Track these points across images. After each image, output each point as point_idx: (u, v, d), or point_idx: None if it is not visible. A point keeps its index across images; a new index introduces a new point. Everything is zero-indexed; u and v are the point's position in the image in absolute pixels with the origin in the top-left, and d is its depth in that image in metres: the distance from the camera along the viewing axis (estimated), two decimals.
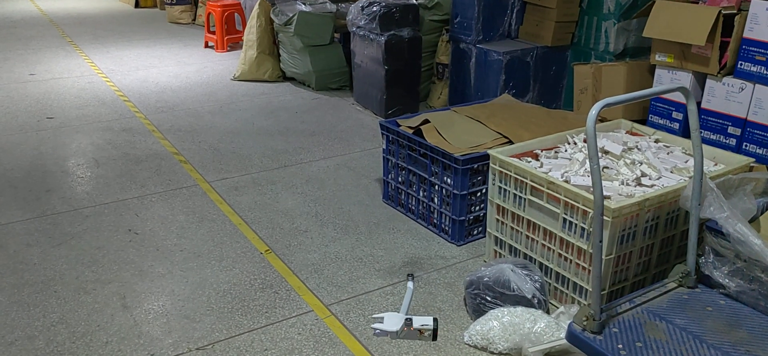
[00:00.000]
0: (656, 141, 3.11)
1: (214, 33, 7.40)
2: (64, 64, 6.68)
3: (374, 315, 2.58)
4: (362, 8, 5.14)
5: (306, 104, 5.53)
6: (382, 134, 3.59)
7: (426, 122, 3.42)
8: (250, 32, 6.19)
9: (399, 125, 3.53)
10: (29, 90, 5.79)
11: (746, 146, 3.19)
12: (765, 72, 3.08)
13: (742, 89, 3.17)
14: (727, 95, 3.24)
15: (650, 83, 3.72)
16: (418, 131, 3.39)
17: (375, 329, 2.51)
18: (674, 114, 3.55)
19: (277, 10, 5.99)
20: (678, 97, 3.50)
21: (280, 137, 4.75)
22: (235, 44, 7.42)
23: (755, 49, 3.09)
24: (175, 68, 6.62)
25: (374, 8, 5.00)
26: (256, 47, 6.11)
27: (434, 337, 2.51)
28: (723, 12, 3.17)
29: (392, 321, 2.53)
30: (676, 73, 3.48)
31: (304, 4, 5.99)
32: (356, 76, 5.50)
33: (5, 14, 9.32)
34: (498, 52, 4.68)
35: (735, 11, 3.18)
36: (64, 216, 3.50)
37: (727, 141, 3.27)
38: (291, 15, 5.77)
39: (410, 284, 2.75)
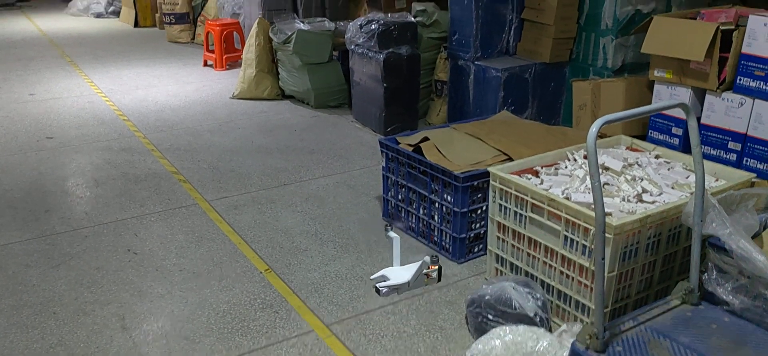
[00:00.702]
0: (656, 157, 3.11)
1: (213, 52, 7.43)
2: (64, 83, 6.69)
3: (372, 277, 2.46)
4: (361, 26, 5.16)
5: (305, 122, 5.54)
6: (382, 151, 3.59)
7: (425, 139, 3.42)
8: (249, 51, 6.21)
9: (398, 143, 3.52)
10: (29, 110, 5.79)
11: (747, 161, 3.19)
12: (764, 87, 3.08)
13: (742, 104, 3.17)
14: (726, 111, 3.25)
15: (649, 99, 3.73)
16: (417, 149, 3.39)
17: (382, 289, 2.38)
18: (674, 129, 3.55)
19: (275, 29, 6.02)
20: (678, 112, 3.51)
21: (279, 155, 4.75)
22: (233, 63, 7.44)
23: (754, 65, 3.10)
24: (174, 87, 6.63)
25: (372, 26, 5.02)
26: (254, 66, 6.13)
27: (439, 278, 2.40)
28: (721, 28, 3.18)
29: (397, 275, 2.41)
30: (675, 88, 3.49)
31: (303, 22, 6.02)
32: (355, 94, 5.52)
33: (5, 35, 9.36)
34: (496, 69, 4.69)
35: (733, 27, 3.20)
36: (63, 237, 3.48)
37: (728, 156, 3.26)
38: (290, 34, 5.79)
39: (392, 233, 2.62)
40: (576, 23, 4.75)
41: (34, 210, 3.80)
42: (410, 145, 3.44)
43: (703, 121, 3.36)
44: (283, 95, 6.22)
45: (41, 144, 4.92)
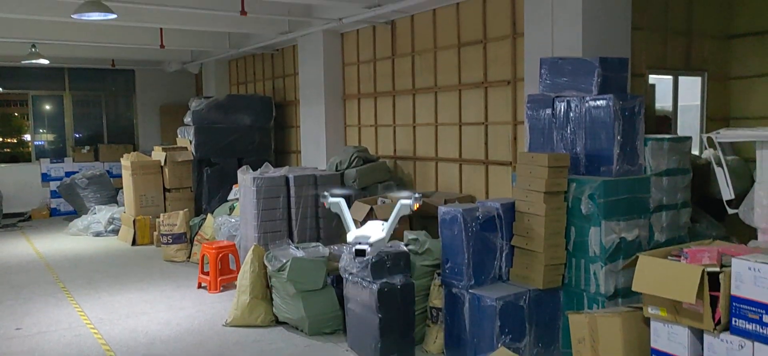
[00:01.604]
0: None
1: (207, 274, 7.46)
2: (53, 314, 6.58)
3: (349, 243, 2.09)
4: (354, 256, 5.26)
5: (299, 352, 5.38)
6: None
7: None
8: (244, 277, 6.24)
9: None
10: (13, 348, 5.61)
11: None
12: (761, 330, 3.07)
13: (742, 347, 3.13)
14: (728, 353, 3.19)
15: (647, 335, 3.68)
16: None
17: (366, 249, 2.02)
18: None
19: (270, 256, 6.11)
20: (680, 352, 3.44)
21: None
22: (228, 284, 7.44)
23: (746, 307, 3.12)
24: (167, 314, 6.54)
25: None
26: (248, 293, 6.11)
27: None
28: (707, 270, 3.25)
29: (368, 233, 2.07)
30: (672, 327, 3.47)
31: (297, 248, 6.14)
32: (349, 322, 5.44)
33: (1, 259, 9.43)
34: (491, 297, 4.69)
35: (718, 269, 3.27)
36: None
37: None
38: (284, 261, 5.87)
39: (333, 199, 2.29)
40: (565, 250, 4.86)
41: None
42: None
43: None
44: (276, 321, 6.12)
45: None
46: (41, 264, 9.01)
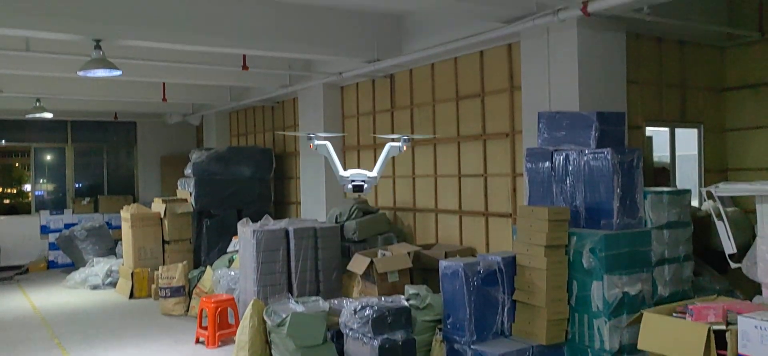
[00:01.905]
0: None
1: (206, 328, 7.35)
2: None
3: (344, 182, 2.10)
4: (355, 311, 5.20)
5: None
6: None
7: None
8: (243, 332, 6.15)
9: None
10: None
11: None
12: None
13: None
14: None
15: None
16: None
17: (363, 186, 2.01)
18: None
19: (269, 311, 6.04)
20: None
21: None
22: (227, 339, 7.32)
23: None
24: None
25: (367, 312, 5.06)
26: (247, 349, 6.01)
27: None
28: (713, 328, 3.22)
29: (362, 172, 2.05)
30: None
31: (297, 302, 6.07)
32: None
33: None
34: (493, 353, 4.63)
35: (724, 327, 3.24)
36: None
37: None
38: (284, 316, 5.80)
39: (318, 141, 2.27)
40: (567, 304, 4.81)
41: None
42: None
43: None
44: None
45: None
46: (37, 320, 8.89)
